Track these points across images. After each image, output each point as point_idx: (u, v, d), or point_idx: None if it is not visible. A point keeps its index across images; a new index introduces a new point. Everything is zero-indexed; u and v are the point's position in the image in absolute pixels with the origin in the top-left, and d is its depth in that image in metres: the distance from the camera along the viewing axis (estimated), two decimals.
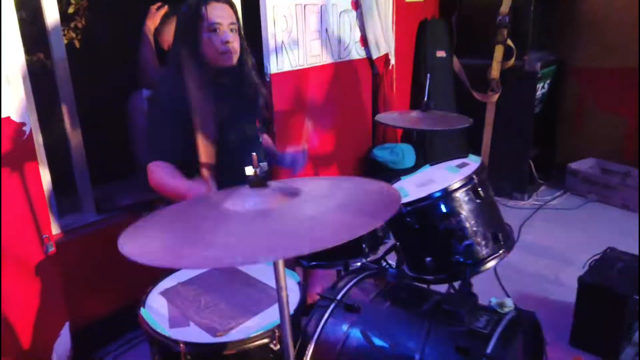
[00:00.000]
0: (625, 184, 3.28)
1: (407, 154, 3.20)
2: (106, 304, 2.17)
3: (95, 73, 2.48)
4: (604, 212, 3.26)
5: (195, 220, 0.82)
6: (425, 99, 1.96)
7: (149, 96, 1.80)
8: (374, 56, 3.14)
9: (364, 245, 1.63)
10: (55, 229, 1.95)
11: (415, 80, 3.56)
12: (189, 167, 1.59)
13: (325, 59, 2.88)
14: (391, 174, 3.22)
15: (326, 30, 2.84)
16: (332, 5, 2.85)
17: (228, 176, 1.78)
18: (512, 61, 3.26)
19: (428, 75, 2.02)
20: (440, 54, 3.47)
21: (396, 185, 1.55)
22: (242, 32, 1.80)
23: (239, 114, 1.80)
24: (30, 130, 1.70)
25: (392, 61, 3.26)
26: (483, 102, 3.41)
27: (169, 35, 2.29)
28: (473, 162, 1.46)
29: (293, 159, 1.95)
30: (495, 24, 3.31)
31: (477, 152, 3.52)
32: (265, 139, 2.05)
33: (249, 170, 0.83)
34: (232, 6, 1.77)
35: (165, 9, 2.27)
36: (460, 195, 1.29)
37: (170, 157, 1.61)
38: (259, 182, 0.83)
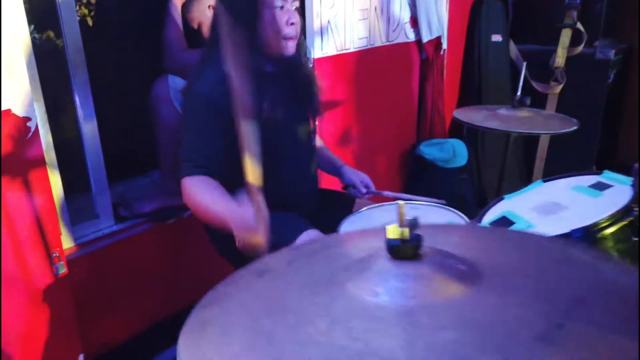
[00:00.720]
0: None
1: (458, 151, 2.84)
2: (125, 328, 1.86)
3: (111, 55, 2.14)
4: None
5: (301, 318, 0.48)
6: (519, 93, 1.60)
7: (185, 88, 1.45)
8: (425, 39, 2.77)
9: None
10: (66, 243, 1.63)
11: (465, 67, 3.18)
12: (235, 185, 1.27)
13: (373, 41, 2.52)
14: (440, 174, 2.88)
15: (375, 8, 2.47)
16: None
17: (276, 190, 1.45)
18: (580, 48, 2.88)
19: (524, 63, 1.66)
20: (496, 38, 3.08)
21: (501, 207, 1.20)
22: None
23: (292, 114, 1.45)
24: (37, 127, 1.37)
25: (444, 45, 2.88)
26: (544, 93, 3.03)
27: (199, 11, 1.95)
28: (615, 183, 1.11)
29: (361, 181, 1.63)
30: (560, 4, 2.92)
31: (532, 151, 3.16)
32: (320, 143, 1.72)
33: (393, 232, 0.50)
34: None
35: None
36: (615, 232, 0.95)
37: (214, 171, 1.28)
38: (408, 252, 0.49)
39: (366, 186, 1.66)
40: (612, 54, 2.84)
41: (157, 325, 1.89)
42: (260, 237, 1.03)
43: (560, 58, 2.93)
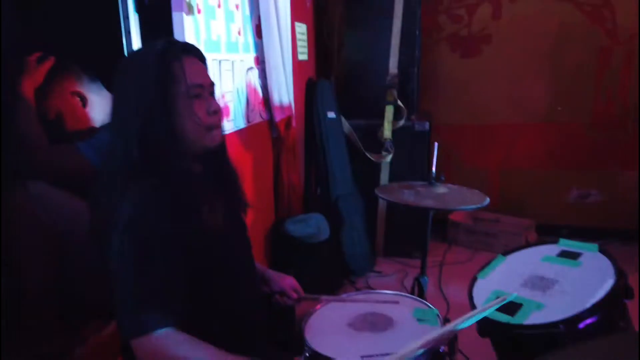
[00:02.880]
0: (503, 230, 3.56)
1: (322, 226, 2.87)
2: None
3: None
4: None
5: None
6: (434, 169, 1.71)
7: (105, 217, 1.09)
8: (278, 118, 2.78)
9: None
10: None
11: (308, 143, 3.29)
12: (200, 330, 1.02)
13: (239, 123, 2.41)
14: (307, 250, 2.85)
15: (237, 90, 2.38)
16: (241, 61, 2.41)
17: (229, 309, 1.21)
18: (402, 121, 3.29)
19: (435, 144, 1.77)
20: (331, 114, 3.29)
21: (483, 287, 1.23)
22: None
23: (229, 216, 1.25)
24: None
25: (293, 123, 2.94)
26: (377, 162, 3.34)
27: (59, 98, 1.56)
28: (580, 250, 1.24)
29: (290, 286, 1.46)
30: (377, 84, 3.33)
31: (373, 215, 3.42)
32: None
33: None
34: (205, 61, 1.26)
35: (50, 61, 1.54)
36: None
37: (180, 318, 1.00)
38: None
39: (296, 291, 1.50)
40: (427, 125, 3.32)
41: None
42: None
43: (387, 131, 3.30)
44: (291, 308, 1.48)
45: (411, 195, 1.64)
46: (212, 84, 1.21)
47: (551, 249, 1.29)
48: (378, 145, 3.33)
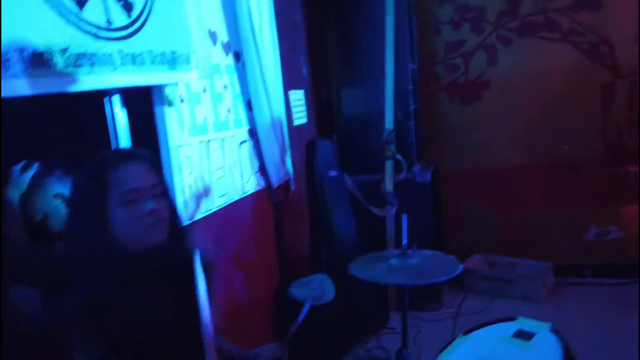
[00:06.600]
0: (521, 275, 3.45)
1: (326, 287, 2.87)
2: None
3: None
4: (519, 307, 3.33)
5: None
6: (405, 241, 1.71)
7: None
8: (275, 185, 2.86)
9: None
10: None
11: (312, 205, 3.34)
12: None
13: (232, 196, 2.49)
14: (313, 312, 2.85)
15: (229, 165, 2.48)
16: (232, 137, 2.52)
17: None
18: (403, 174, 3.30)
19: (404, 216, 1.79)
20: (332, 173, 3.35)
21: None
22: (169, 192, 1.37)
23: (179, 314, 1.28)
24: None
25: (292, 187, 3.01)
26: (382, 217, 3.34)
27: (42, 202, 1.68)
28: (534, 329, 1.22)
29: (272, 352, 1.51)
30: (376, 140, 3.37)
31: None
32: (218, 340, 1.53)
33: None
34: (153, 162, 1.32)
35: (34, 168, 1.67)
36: None
37: None
38: None
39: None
40: (429, 176, 3.32)
41: None
42: None
43: (388, 184, 3.31)
44: None
45: (383, 269, 1.65)
46: (153, 184, 1.25)
47: (508, 328, 1.27)
48: (382, 199, 3.35)
